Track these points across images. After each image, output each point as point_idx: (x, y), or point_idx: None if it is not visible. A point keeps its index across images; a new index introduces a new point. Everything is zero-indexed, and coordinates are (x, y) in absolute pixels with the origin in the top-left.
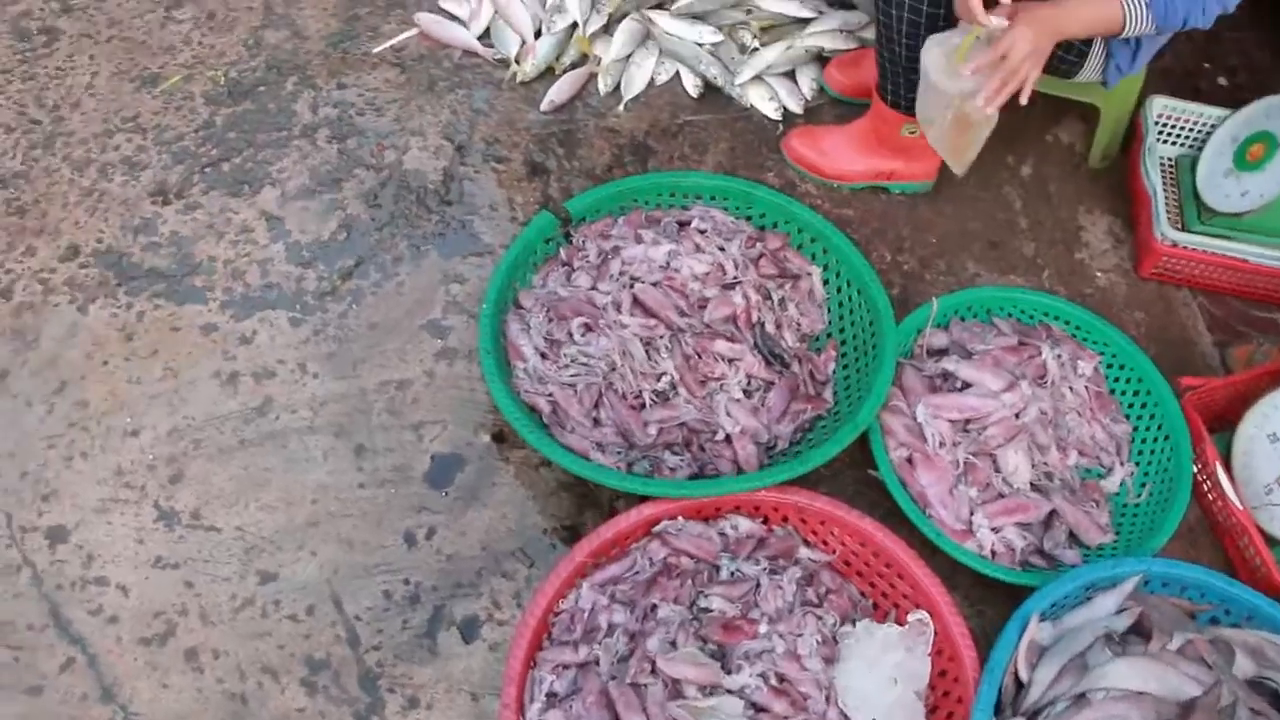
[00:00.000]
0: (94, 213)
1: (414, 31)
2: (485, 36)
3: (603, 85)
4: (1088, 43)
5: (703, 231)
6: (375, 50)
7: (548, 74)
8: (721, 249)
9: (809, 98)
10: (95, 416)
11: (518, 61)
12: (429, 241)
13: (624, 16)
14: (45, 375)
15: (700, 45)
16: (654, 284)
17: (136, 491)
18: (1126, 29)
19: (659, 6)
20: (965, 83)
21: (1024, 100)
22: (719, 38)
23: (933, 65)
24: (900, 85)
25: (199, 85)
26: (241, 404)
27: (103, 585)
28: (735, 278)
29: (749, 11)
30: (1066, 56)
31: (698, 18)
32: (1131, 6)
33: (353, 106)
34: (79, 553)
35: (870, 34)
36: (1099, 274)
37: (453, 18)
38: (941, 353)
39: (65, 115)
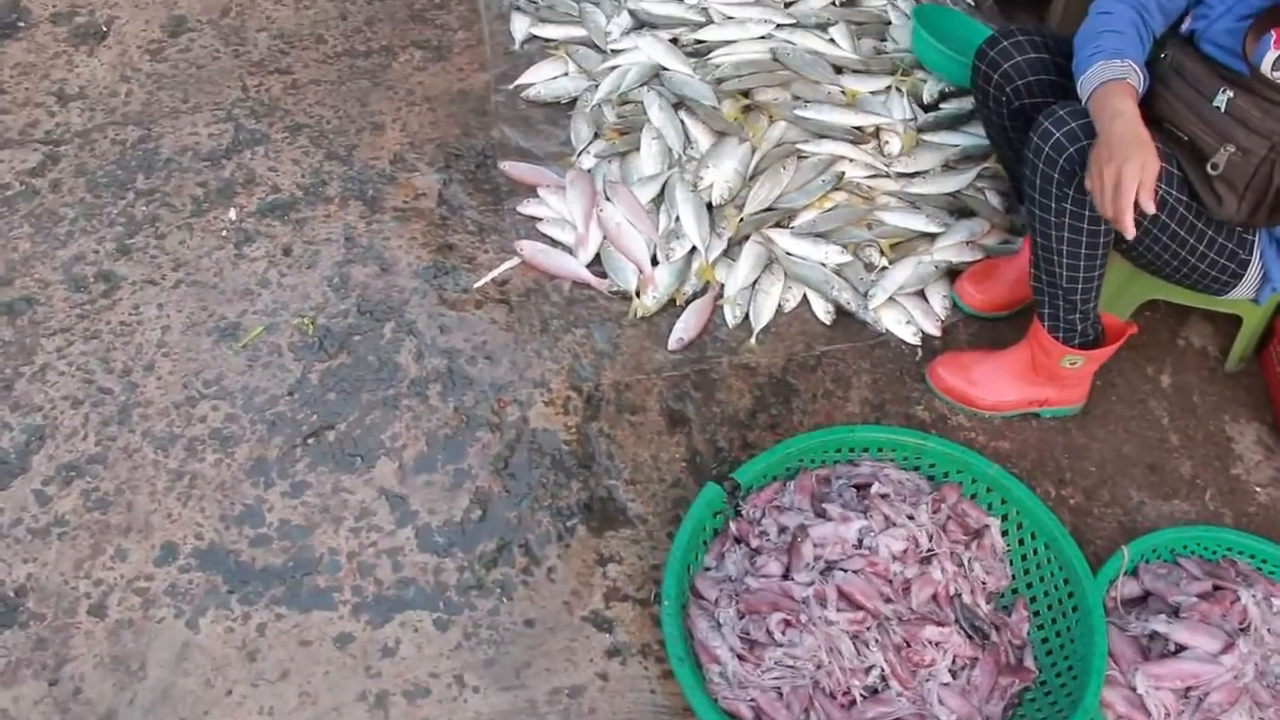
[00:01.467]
0: (187, 501)
1: (516, 262)
2: (595, 263)
3: (730, 317)
4: (1244, 264)
5: (885, 496)
6: (476, 285)
7: (669, 304)
8: (911, 517)
9: (943, 317)
10: None
11: (637, 294)
12: (574, 515)
13: (745, 239)
14: (159, 714)
15: (826, 266)
16: (855, 571)
17: None
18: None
19: (779, 225)
20: None
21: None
22: (846, 258)
23: None
24: (1060, 312)
25: (285, 336)
26: None
27: None
28: (930, 549)
29: (870, 226)
30: (1220, 276)
31: (821, 236)
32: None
33: (461, 354)
34: None
35: (994, 240)
36: (1258, 489)
37: (556, 243)
38: (1135, 602)
39: (138, 381)
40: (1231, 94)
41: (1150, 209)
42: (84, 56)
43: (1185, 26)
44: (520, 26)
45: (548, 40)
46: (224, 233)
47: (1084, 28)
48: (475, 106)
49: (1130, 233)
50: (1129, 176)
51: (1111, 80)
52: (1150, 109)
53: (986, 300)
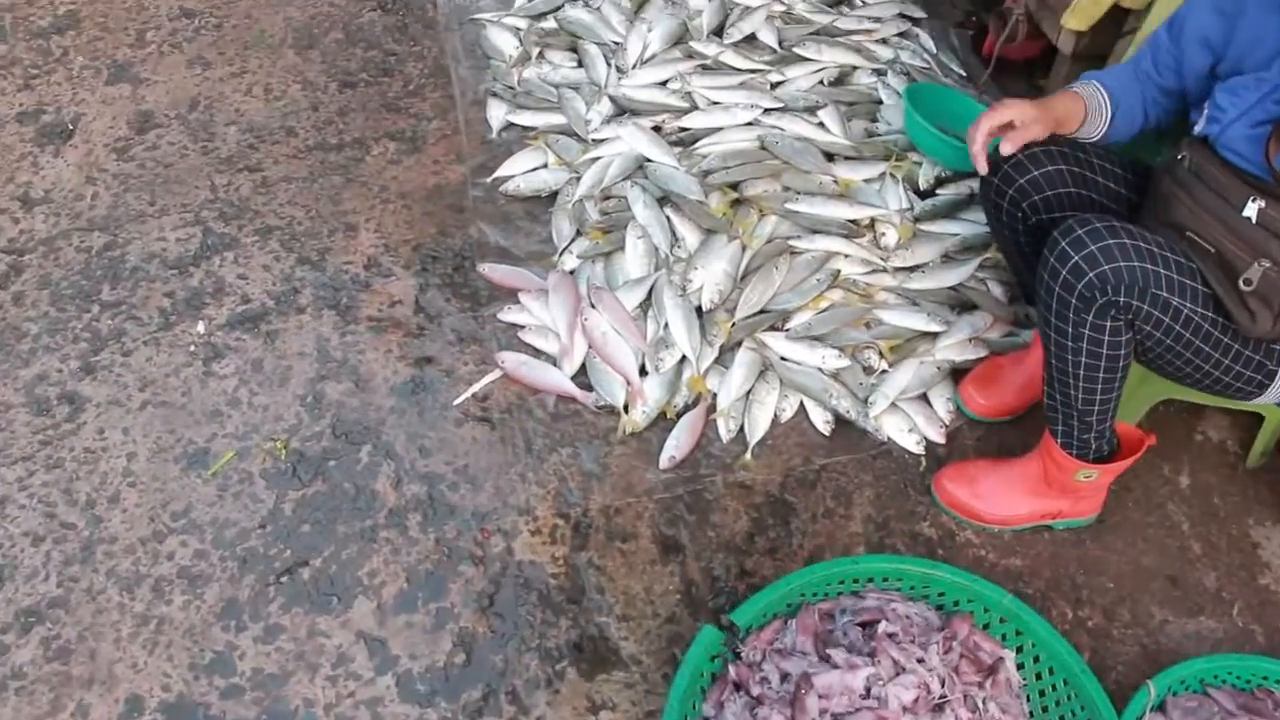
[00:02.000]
0: (154, 648)
1: (497, 375)
2: (581, 373)
3: (724, 430)
4: (1271, 374)
5: (893, 635)
6: (456, 402)
7: (659, 417)
8: (921, 660)
9: (948, 422)
10: None
11: (626, 410)
12: (564, 657)
13: (737, 345)
14: None
15: (824, 371)
16: None
17: None
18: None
19: (773, 328)
20: None
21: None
22: (844, 362)
23: None
24: (1075, 431)
25: (257, 462)
26: None
27: None
28: (943, 695)
29: (868, 325)
30: (1245, 387)
31: (817, 339)
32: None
33: (442, 479)
34: None
35: (997, 333)
36: None
37: (539, 352)
38: None
39: (103, 514)
40: (1262, 204)
41: (1006, 150)
42: (49, 157)
43: (1199, 129)
44: (497, 114)
45: (526, 128)
46: (192, 348)
47: None
48: (452, 202)
49: (980, 167)
50: (1000, 115)
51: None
52: (1171, 215)
53: (992, 406)
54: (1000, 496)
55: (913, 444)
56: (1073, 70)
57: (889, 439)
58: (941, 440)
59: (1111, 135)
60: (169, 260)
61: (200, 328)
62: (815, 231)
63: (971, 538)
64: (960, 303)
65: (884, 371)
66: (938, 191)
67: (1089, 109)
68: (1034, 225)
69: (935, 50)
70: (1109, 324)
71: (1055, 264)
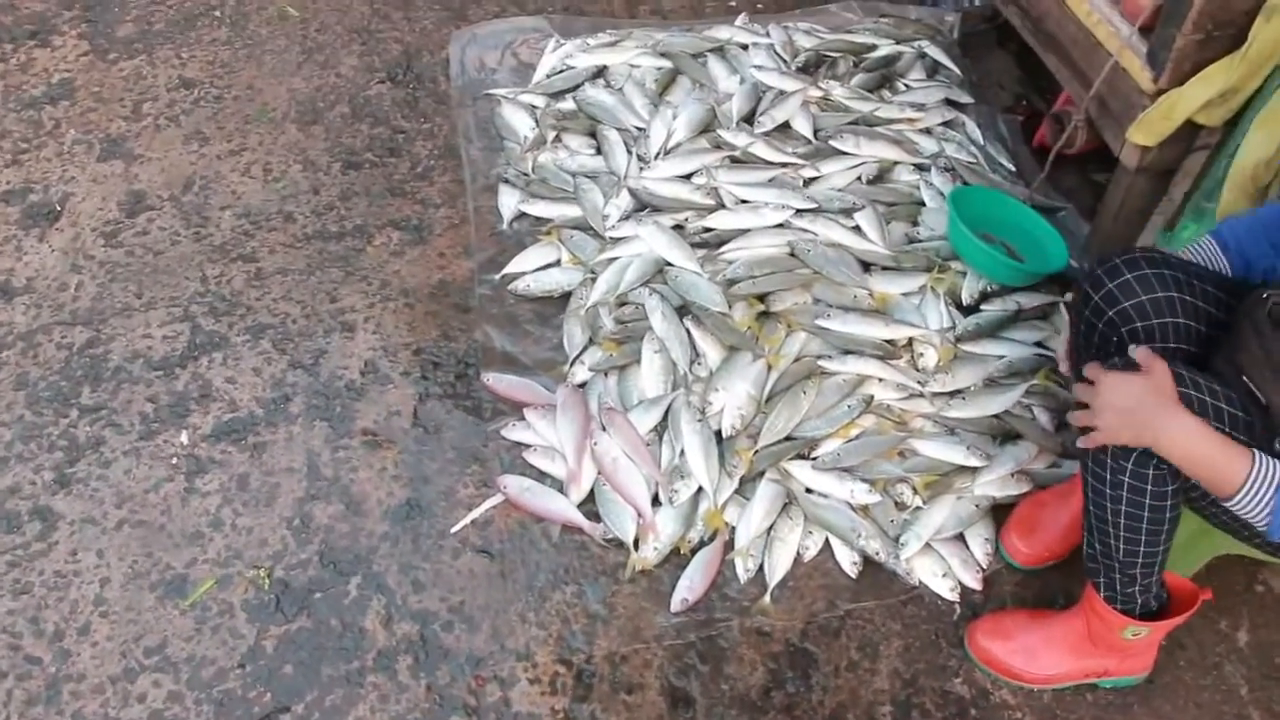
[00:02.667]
0: None
1: (498, 500)
2: (589, 501)
3: (742, 571)
4: None
5: None
6: (454, 530)
7: (671, 553)
8: None
9: (985, 566)
10: None
11: (636, 545)
12: None
13: (759, 474)
14: None
15: (852, 506)
16: None
17: None
18: (1237, 500)
19: (799, 455)
20: None
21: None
22: (875, 497)
23: None
24: (1118, 585)
25: (238, 591)
26: None
27: None
28: None
29: (902, 455)
30: None
31: (846, 470)
32: (1257, 481)
33: (436, 618)
34: None
35: (1041, 464)
36: None
37: (544, 474)
38: None
39: (71, 648)
40: None
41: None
42: (34, 242)
43: None
44: (509, 202)
45: (539, 220)
46: (174, 460)
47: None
48: (458, 301)
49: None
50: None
51: None
52: (1236, 356)
53: (1036, 555)
54: (1041, 654)
55: (946, 590)
56: (1135, 184)
57: (920, 583)
58: (978, 587)
59: (1241, 274)
60: (154, 360)
61: (184, 438)
62: (847, 352)
63: (1008, 698)
64: (1002, 432)
65: (918, 508)
66: (982, 307)
67: None
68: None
69: (983, 141)
70: (1151, 472)
71: None
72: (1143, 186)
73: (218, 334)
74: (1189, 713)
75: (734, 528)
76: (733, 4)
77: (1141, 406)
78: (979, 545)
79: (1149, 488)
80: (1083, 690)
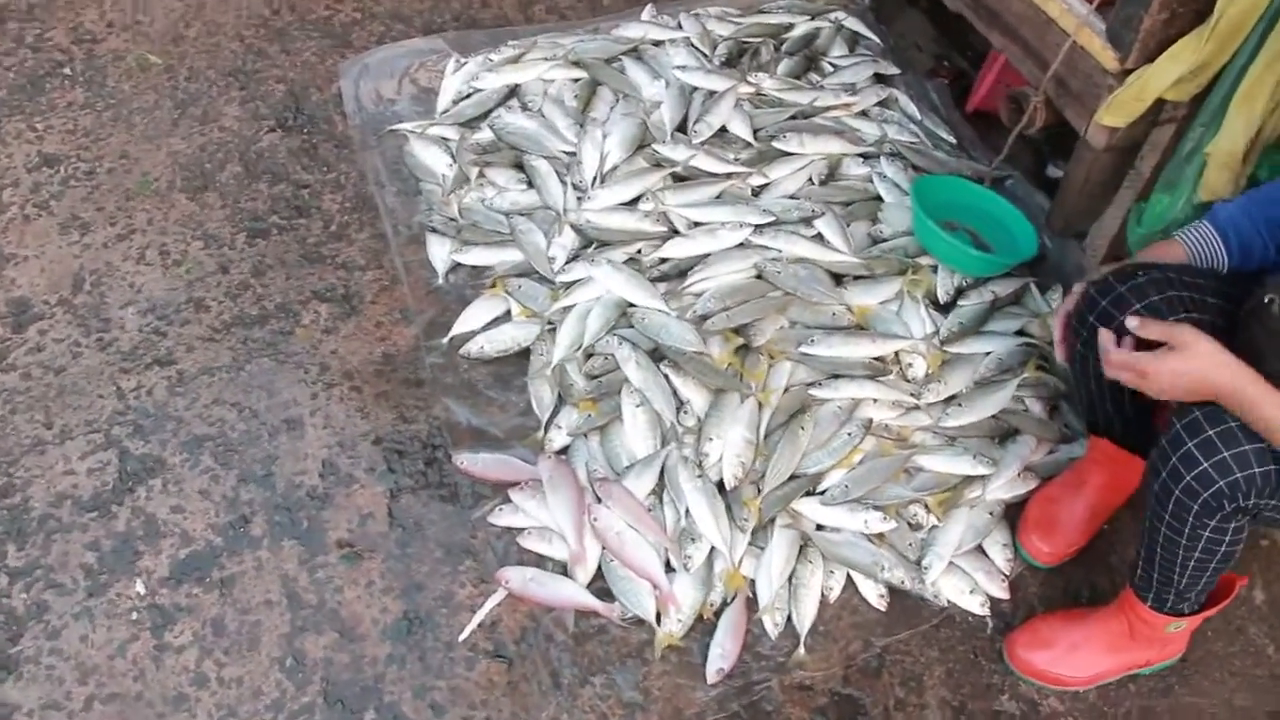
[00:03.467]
0: None
1: (502, 596)
2: (599, 578)
3: (771, 627)
4: None
5: None
6: (462, 637)
7: (696, 620)
8: None
9: (1008, 572)
10: None
11: (658, 620)
12: None
13: (770, 520)
14: None
15: (867, 536)
16: None
17: None
18: None
19: (808, 492)
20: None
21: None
22: (889, 524)
23: None
24: (1169, 599)
25: None
26: None
27: None
28: None
29: (909, 474)
30: None
31: (855, 500)
32: None
33: None
34: None
35: (1042, 455)
36: None
37: (544, 558)
38: None
39: None
40: None
41: None
42: None
43: None
44: (440, 253)
45: (478, 268)
46: (134, 615)
47: None
48: (407, 375)
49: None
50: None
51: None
52: (1266, 367)
53: (1058, 552)
54: (1083, 656)
55: (976, 606)
56: (1100, 159)
57: (950, 603)
58: (1005, 595)
59: (1240, 265)
60: (83, 501)
61: (139, 586)
62: (836, 375)
63: (1056, 705)
64: (1000, 431)
65: (934, 527)
66: (959, 303)
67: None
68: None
69: (919, 116)
70: (1232, 525)
71: (1179, 466)
72: (1107, 162)
73: (150, 457)
74: (1227, 684)
75: (753, 579)
76: None
77: (1194, 393)
78: (999, 553)
79: (1227, 539)
80: (1124, 682)
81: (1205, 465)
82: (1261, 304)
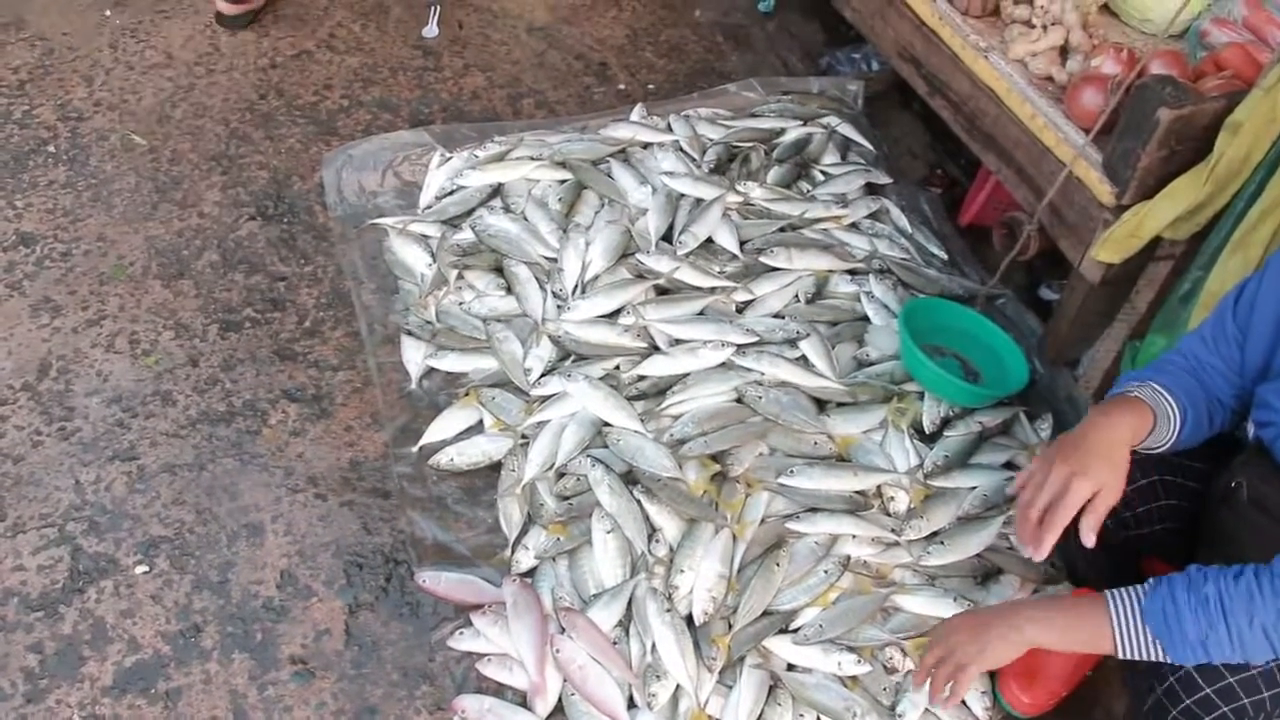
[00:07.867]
0: None
1: None
2: (557, 711)
3: None
4: None
5: None
6: None
7: None
8: None
9: None
10: None
11: None
12: None
13: (740, 659)
14: None
15: (840, 678)
16: None
17: None
18: (1121, 646)
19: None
20: None
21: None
22: (864, 668)
23: None
24: None
25: None
26: None
27: None
28: None
29: (887, 613)
30: None
31: (830, 641)
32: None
33: None
34: None
35: (1024, 597)
36: None
37: (503, 687)
38: None
39: None
40: None
41: (1090, 542)
42: None
43: (1251, 433)
44: (414, 357)
45: (452, 374)
46: None
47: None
48: (374, 484)
49: (1040, 556)
50: (1076, 493)
51: (1120, 393)
52: (1246, 555)
53: (1040, 702)
54: None
55: None
56: (1094, 292)
57: None
58: None
59: (1178, 446)
60: (31, 599)
61: (80, 694)
62: (814, 508)
63: None
64: (983, 571)
65: (909, 671)
66: (946, 433)
67: (1156, 416)
68: (1121, 542)
69: (910, 229)
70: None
71: (1163, 699)
72: (1101, 294)
73: (104, 556)
74: None
75: None
76: (622, 88)
77: (984, 625)
78: (976, 701)
79: None
80: None
81: (1187, 702)
82: (1229, 489)
